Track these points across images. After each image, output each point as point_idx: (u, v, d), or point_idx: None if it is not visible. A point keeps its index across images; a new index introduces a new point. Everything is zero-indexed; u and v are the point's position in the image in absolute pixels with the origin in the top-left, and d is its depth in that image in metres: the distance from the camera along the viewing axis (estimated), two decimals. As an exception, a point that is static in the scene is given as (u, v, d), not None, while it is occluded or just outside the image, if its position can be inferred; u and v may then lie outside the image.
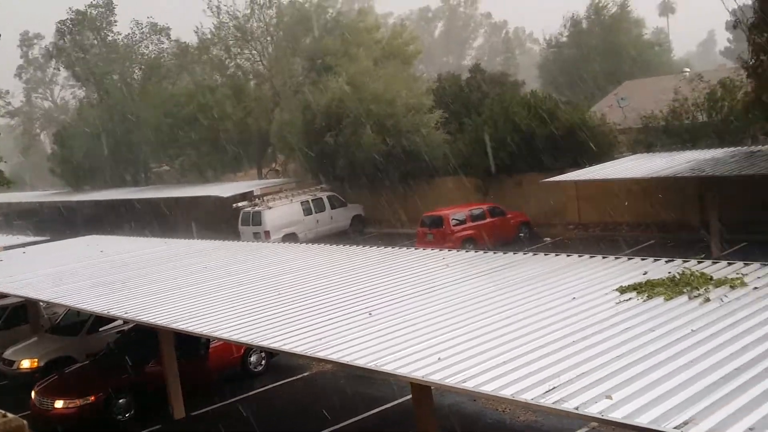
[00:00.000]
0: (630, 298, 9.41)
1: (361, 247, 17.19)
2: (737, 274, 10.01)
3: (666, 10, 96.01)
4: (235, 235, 31.74)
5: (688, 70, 46.90)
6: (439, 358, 7.73)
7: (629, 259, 12.10)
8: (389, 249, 15.94)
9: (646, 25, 65.61)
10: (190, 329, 10.83)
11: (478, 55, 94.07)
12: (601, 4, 62.15)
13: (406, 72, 40.08)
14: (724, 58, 79.14)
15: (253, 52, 47.12)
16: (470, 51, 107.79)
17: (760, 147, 25.36)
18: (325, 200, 35.24)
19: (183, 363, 15.11)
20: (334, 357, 8.43)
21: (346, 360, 8.24)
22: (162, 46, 53.24)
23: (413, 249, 15.83)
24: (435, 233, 27.55)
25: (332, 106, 36.26)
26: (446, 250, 15.43)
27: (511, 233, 28.84)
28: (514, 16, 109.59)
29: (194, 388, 15.65)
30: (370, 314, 10.05)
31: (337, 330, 9.41)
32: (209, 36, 47.11)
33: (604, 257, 12.35)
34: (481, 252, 14.46)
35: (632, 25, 62.89)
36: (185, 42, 50.52)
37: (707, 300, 8.94)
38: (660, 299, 9.18)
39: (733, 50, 71.47)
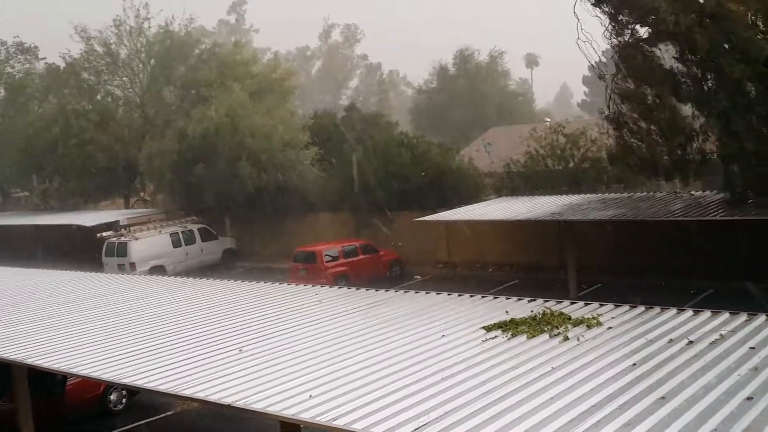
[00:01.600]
0: (495, 336, 9.75)
1: (232, 281, 16.89)
2: (593, 314, 10.60)
3: (531, 62, 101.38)
4: (99, 267, 30.34)
5: (549, 119, 49.67)
6: (310, 396, 7.69)
7: (495, 298, 12.56)
8: (261, 284, 15.75)
9: (512, 76, 69.29)
10: (46, 365, 10.24)
11: (354, 95, 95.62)
12: (467, 54, 65.33)
13: (282, 107, 40.09)
14: (580, 110, 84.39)
15: (124, 78, 45.66)
16: (347, 91, 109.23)
17: (613, 194, 27.16)
18: (196, 232, 34.41)
19: (37, 401, 14.19)
20: (200, 395, 8.21)
21: (213, 398, 8.03)
22: (28, 66, 50.65)
23: (286, 284, 15.72)
24: (308, 269, 27.51)
25: (208, 136, 35.66)
26: (319, 286, 15.43)
27: (383, 270, 29.24)
28: (389, 59, 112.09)
29: (49, 428, 14.71)
30: (240, 350, 9.87)
31: (205, 367, 9.18)
32: (78, 59, 45.25)
33: (471, 296, 12.75)
34: (354, 288, 14.56)
35: (499, 75, 66.26)
36: (54, 63, 48.21)
37: (566, 339, 9.40)
38: (523, 337, 9.58)
39: (590, 103, 76.55)
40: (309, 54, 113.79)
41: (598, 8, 21.55)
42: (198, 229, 34.60)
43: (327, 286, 15.47)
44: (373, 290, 14.11)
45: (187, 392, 8.34)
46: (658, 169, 22.65)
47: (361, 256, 28.82)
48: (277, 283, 15.83)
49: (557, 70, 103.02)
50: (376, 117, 46.05)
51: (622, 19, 21.62)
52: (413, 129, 54.06)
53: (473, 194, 31.43)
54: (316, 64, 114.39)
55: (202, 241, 34.43)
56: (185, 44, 43.78)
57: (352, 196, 32.89)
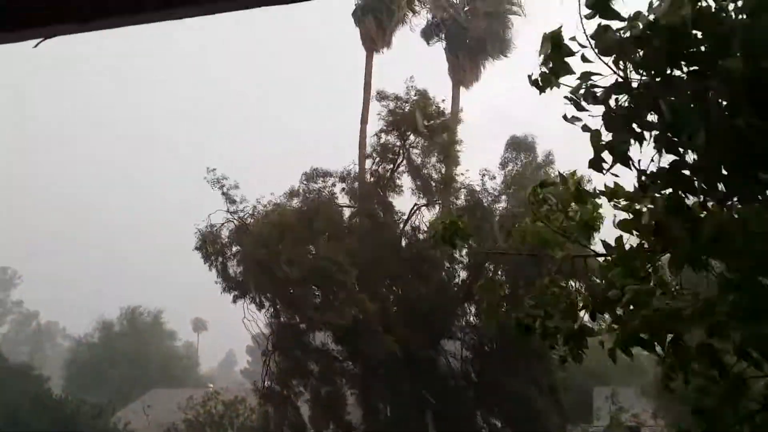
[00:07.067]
0: None
1: None
2: None
3: (199, 327, 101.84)
4: None
5: (212, 385, 50.41)
6: None
7: None
8: None
9: (179, 337, 69.78)
10: None
11: (2, 342, 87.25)
12: (137, 312, 65.37)
13: None
14: (243, 377, 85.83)
15: None
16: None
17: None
18: None
19: None
20: None
21: None
22: None
23: None
24: None
25: None
26: None
27: None
28: (48, 310, 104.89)
29: None
30: None
31: None
32: None
33: None
34: None
35: (165, 336, 66.48)
36: None
37: None
38: None
39: (251, 371, 78.57)
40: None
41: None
42: None
43: None
44: None
45: None
46: None
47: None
48: None
49: (224, 336, 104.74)
50: (26, 368, 42.82)
51: (278, 310, 24.68)
52: (69, 385, 51.14)
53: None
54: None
55: None
56: None
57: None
